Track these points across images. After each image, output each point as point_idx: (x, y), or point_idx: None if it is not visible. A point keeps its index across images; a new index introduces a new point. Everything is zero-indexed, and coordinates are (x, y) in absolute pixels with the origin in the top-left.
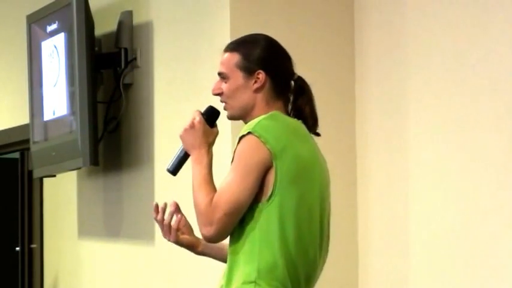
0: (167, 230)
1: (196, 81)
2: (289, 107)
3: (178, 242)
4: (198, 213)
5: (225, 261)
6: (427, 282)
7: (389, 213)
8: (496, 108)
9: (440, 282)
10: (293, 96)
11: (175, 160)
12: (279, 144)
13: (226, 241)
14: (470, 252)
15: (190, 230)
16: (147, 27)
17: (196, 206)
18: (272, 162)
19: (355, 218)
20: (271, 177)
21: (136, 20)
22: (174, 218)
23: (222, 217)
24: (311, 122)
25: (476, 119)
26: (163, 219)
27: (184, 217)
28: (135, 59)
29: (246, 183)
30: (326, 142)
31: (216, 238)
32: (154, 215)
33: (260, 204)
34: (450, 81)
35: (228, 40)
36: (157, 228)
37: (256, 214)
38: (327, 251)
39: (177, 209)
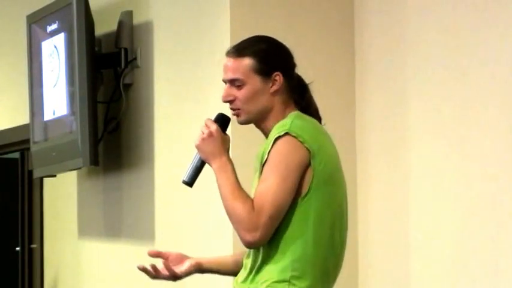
0: (166, 277)
1: (196, 81)
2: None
3: (182, 276)
4: (239, 221)
5: (229, 274)
6: (427, 282)
7: (389, 213)
8: (497, 108)
9: (440, 282)
10: (299, 93)
11: (191, 170)
12: (315, 143)
13: (230, 251)
14: (471, 251)
15: (183, 257)
16: (147, 27)
17: (234, 214)
18: (310, 161)
19: (355, 218)
20: (308, 176)
21: (136, 20)
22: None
23: (267, 221)
24: (317, 117)
25: (477, 119)
26: (159, 273)
27: (169, 254)
28: (135, 59)
29: (287, 185)
30: None
31: (261, 242)
32: (152, 274)
33: (295, 202)
34: (450, 81)
35: (228, 40)
36: (157, 228)
37: (290, 211)
38: (345, 246)
39: (157, 255)
